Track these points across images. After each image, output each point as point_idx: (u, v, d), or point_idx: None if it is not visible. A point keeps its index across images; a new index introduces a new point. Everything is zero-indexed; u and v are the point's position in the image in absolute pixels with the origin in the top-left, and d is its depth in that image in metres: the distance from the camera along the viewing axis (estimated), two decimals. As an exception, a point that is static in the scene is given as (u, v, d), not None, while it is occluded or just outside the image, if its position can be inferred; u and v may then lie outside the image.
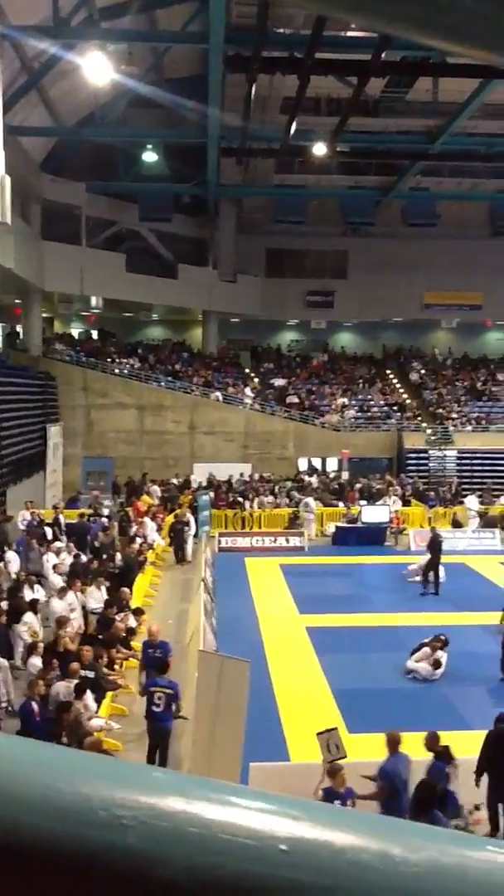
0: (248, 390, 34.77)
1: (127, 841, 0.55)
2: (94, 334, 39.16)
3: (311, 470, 32.43)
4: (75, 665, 11.37)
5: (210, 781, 0.63)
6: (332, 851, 0.57)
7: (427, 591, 19.55)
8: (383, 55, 21.72)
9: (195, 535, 23.54)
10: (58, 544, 19.74)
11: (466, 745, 10.98)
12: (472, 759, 9.87)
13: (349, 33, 23.60)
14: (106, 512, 24.94)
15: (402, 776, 8.12)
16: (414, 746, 8.58)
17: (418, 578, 20.19)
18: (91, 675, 11.63)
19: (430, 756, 8.68)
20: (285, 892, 0.55)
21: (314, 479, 30.39)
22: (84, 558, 18.55)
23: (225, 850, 0.56)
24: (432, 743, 8.56)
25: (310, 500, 27.27)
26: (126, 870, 0.55)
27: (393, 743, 8.32)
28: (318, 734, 8.57)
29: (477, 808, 8.74)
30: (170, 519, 24.49)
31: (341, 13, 0.94)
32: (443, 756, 8.41)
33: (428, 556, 20.01)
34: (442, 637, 13.95)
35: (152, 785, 0.60)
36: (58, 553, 18.45)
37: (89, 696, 10.97)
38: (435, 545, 20.13)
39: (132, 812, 0.57)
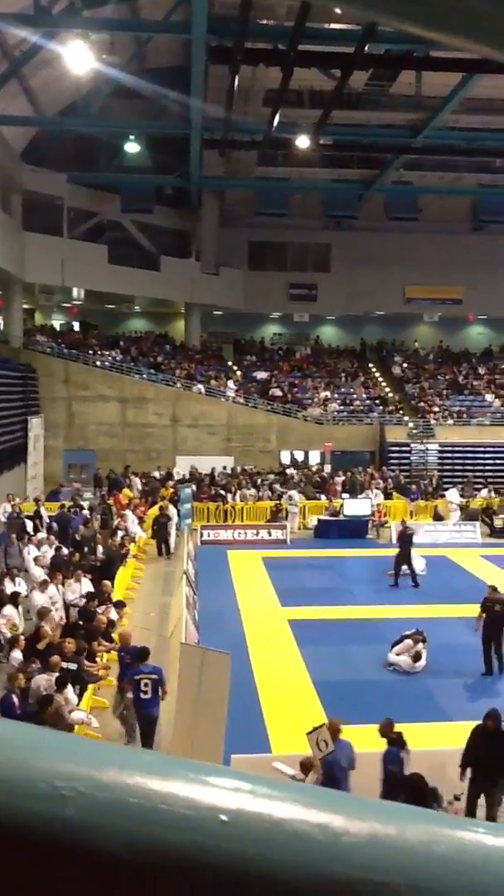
0: (230, 383, 34.73)
1: (66, 812, 0.56)
2: (76, 326, 38.93)
3: (294, 463, 32.48)
4: (56, 658, 11.33)
5: (152, 754, 0.63)
6: (273, 822, 0.57)
7: (396, 585, 19.64)
8: (367, 48, 21.70)
9: (177, 528, 23.53)
10: (40, 536, 19.67)
11: (447, 736, 11.07)
12: (451, 750, 9.95)
13: (333, 25, 23.56)
14: (87, 504, 24.87)
15: (342, 763, 8.19)
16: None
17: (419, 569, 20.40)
18: (73, 667, 11.60)
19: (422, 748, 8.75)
20: (225, 862, 0.55)
21: (296, 473, 30.45)
22: (65, 551, 18.47)
23: (164, 821, 0.56)
24: (386, 730, 8.63)
25: (293, 493, 27.34)
26: (66, 840, 0.55)
27: (334, 731, 8.39)
28: (308, 734, 8.62)
29: (457, 798, 8.81)
30: (153, 512, 24.45)
31: (344, 4, 0.92)
32: (397, 742, 8.49)
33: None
34: (421, 632, 14.03)
35: (93, 757, 0.60)
36: (39, 546, 18.37)
37: (70, 690, 10.93)
38: (404, 538, 20.26)
39: (72, 783, 0.57)
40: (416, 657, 13.76)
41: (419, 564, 20.84)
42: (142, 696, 10.37)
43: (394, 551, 20.51)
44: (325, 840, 0.57)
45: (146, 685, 10.37)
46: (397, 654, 13.90)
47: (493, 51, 0.94)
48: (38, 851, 0.56)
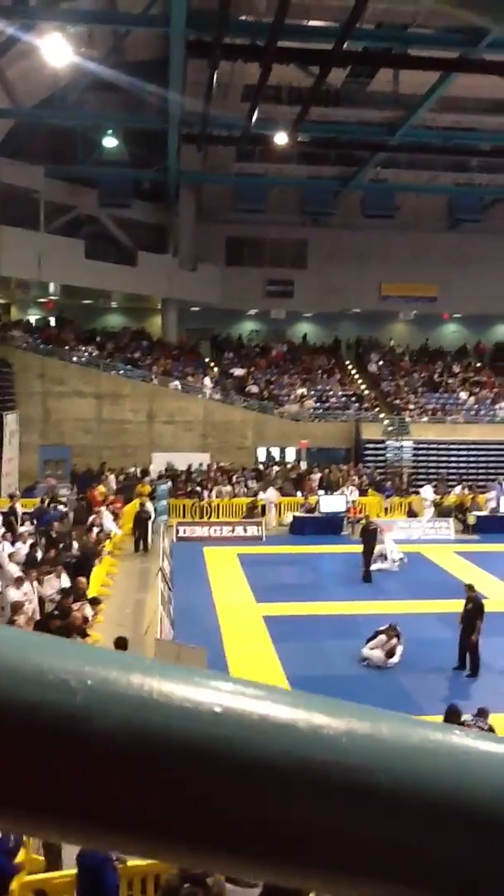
0: (207, 380, 34.68)
1: (74, 700, 0.61)
2: (52, 321, 38.66)
3: (270, 460, 32.53)
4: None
5: (149, 659, 0.69)
6: (261, 715, 0.64)
7: (369, 581, 19.82)
8: (345, 45, 21.74)
9: (153, 525, 23.51)
10: (18, 531, 19.54)
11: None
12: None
13: (312, 22, 23.59)
14: (63, 500, 24.75)
15: None
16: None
17: (384, 565, 20.55)
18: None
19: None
20: (216, 746, 0.62)
21: (273, 470, 30.48)
22: (40, 548, 18.37)
23: (162, 710, 0.62)
24: None
25: (270, 489, 27.42)
26: (71, 723, 0.61)
27: None
28: None
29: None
30: (130, 508, 24.37)
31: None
32: None
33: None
34: (395, 627, 14.14)
35: (101, 659, 0.66)
36: (13, 542, 18.24)
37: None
38: (366, 533, 20.43)
39: (80, 677, 0.62)
40: (391, 653, 13.87)
41: (397, 555, 21.01)
42: None
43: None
44: (307, 730, 0.64)
45: None
46: (371, 649, 13.99)
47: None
48: (48, 735, 0.61)
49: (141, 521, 22.96)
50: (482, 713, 10.01)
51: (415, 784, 0.63)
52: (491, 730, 9.43)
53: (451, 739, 0.67)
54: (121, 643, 11.23)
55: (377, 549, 20.80)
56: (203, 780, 0.61)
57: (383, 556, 21.04)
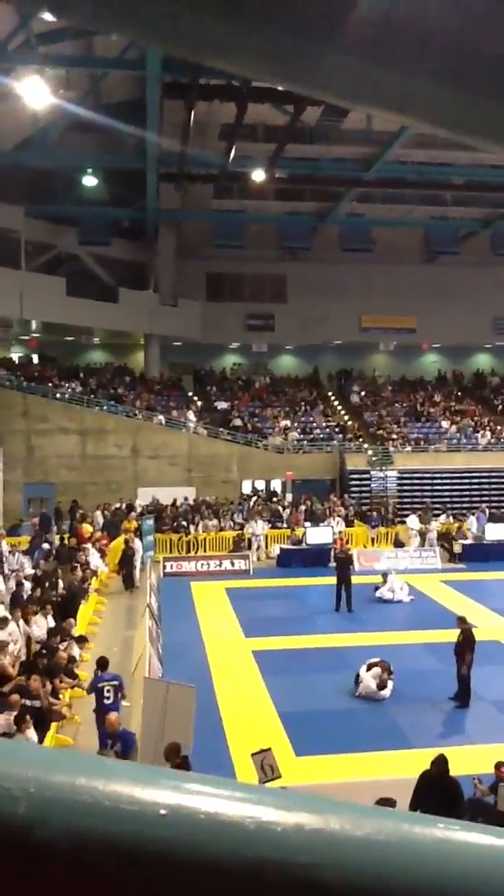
0: (191, 414, 34.74)
1: (18, 811, 0.60)
2: (35, 358, 38.71)
3: (255, 492, 32.52)
4: (15, 697, 11.13)
5: (99, 758, 0.68)
6: (208, 815, 0.62)
7: (339, 609, 19.91)
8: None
9: (140, 561, 23.36)
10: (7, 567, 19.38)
11: (411, 765, 11.08)
12: (415, 779, 9.95)
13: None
14: (49, 539, 24.58)
15: None
16: (360, 768, 8.62)
17: (390, 594, 20.60)
18: (37, 704, 11.40)
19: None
20: (162, 850, 0.60)
21: (259, 503, 30.43)
22: (27, 586, 18.19)
23: (106, 815, 0.61)
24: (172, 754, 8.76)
25: (259, 521, 27.40)
26: (16, 835, 0.59)
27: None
28: (253, 755, 8.59)
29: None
30: (117, 544, 24.21)
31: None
32: None
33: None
34: (388, 664, 14.07)
35: (43, 761, 0.65)
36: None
37: (31, 730, 10.73)
38: (339, 561, 20.48)
39: (21, 784, 0.61)
40: (382, 685, 13.78)
41: (403, 594, 21.04)
42: (105, 701, 11.25)
43: (356, 579, 20.61)
44: (254, 828, 0.62)
45: (108, 691, 11.34)
46: (366, 672, 13.89)
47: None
48: None
49: (127, 557, 22.83)
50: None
51: (363, 879, 0.60)
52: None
53: (403, 828, 0.65)
54: (103, 664, 11.95)
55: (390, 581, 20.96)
56: (150, 885, 0.59)
57: (391, 590, 21.10)
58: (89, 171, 32.11)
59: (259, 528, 27.22)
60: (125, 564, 22.70)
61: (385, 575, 21.47)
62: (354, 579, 20.64)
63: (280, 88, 23.60)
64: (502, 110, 1.44)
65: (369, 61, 1.33)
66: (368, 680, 13.76)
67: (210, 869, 0.60)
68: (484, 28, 1.38)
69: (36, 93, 22.12)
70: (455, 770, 10.79)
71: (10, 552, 21.95)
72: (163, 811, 0.62)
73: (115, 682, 11.52)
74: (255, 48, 1.36)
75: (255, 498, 31.10)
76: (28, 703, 11.13)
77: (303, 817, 0.63)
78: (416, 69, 1.36)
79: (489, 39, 1.38)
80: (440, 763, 8.56)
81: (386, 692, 13.75)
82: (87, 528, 25.79)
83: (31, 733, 10.68)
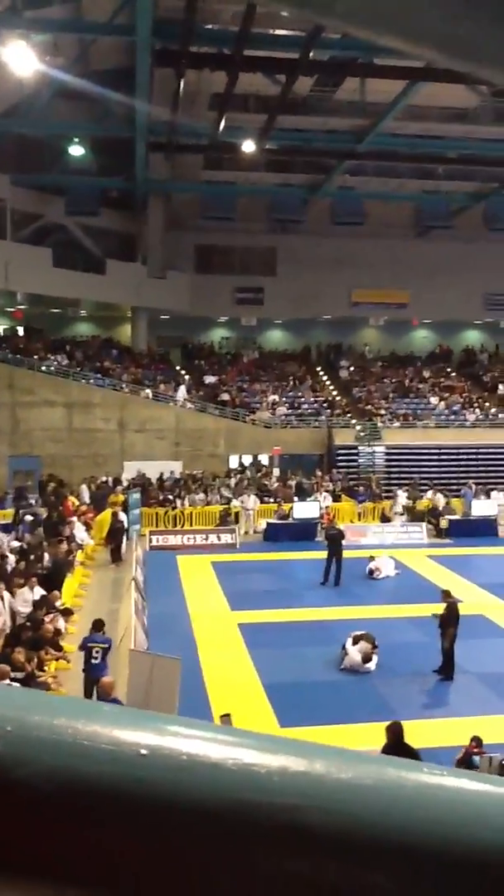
0: (182, 390, 34.56)
1: None
2: (20, 330, 38.34)
3: (242, 468, 32.49)
4: (4, 667, 11.13)
5: (83, 701, 0.69)
6: (189, 756, 0.62)
7: (326, 583, 19.98)
8: (311, 54, 21.89)
9: (126, 534, 23.35)
10: None
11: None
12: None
13: (278, 31, 23.68)
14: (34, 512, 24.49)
15: None
16: (345, 740, 8.67)
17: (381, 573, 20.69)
18: (20, 675, 11.41)
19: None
20: (142, 791, 0.60)
21: (248, 479, 30.39)
22: (11, 559, 18.14)
23: (85, 754, 0.61)
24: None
25: (252, 496, 27.42)
26: None
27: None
28: (221, 717, 8.66)
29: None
30: (103, 518, 24.15)
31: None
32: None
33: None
34: (373, 637, 14.15)
35: (22, 702, 0.64)
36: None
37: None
38: (330, 538, 20.55)
39: (2, 724, 0.61)
40: (367, 658, 13.86)
41: (390, 568, 21.11)
42: (92, 661, 11.81)
43: (347, 553, 20.66)
44: (238, 770, 0.62)
45: (97, 652, 11.86)
46: (353, 645, 13.98)
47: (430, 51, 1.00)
48: None
49: (115, 531, 22.75)
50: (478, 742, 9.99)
51: (351, 822, 0.60)
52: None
53: (388, 772, 0.64)
54: (98, 625, 12.52)
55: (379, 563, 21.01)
56: (129, 826, 0.59)
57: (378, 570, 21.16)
58: (77, 139, 31.61)
59: (251, 502, 27.21)
60: (113, 538, 22.66)
61: (372, 557, 21.48)
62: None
63: (273, 56, 23.31)
64: None
65: None
66: (353, 653, 13.85)
67: (191, 810, 0.60)
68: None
69: (22, 59, 21.63)
70: (436, 741, 10.91)
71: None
72: (143, 751, 0.62)
73: (105, 645, 12.03)
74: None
75: (242, 474, 31.04)
76: (13, 674, 11.13)
77: (287, 760, 0.63)
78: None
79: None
80: (394, 730, 8.58)
81: (371, 665, 13.85)
82: (72, 501, 25.72)
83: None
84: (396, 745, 8.39)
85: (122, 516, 23.37)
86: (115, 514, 23.23)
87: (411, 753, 8.31)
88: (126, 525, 23.20)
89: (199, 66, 24.38)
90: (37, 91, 28.00)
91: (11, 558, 18.07)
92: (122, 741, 0.62)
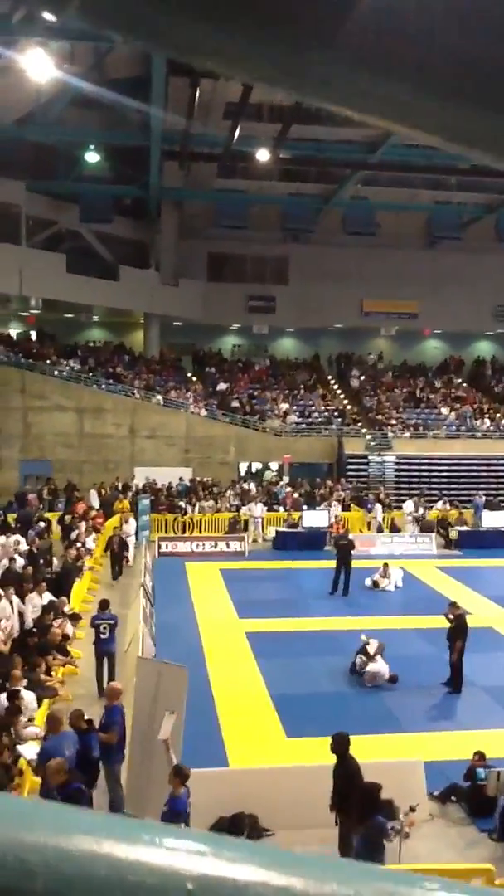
0: (189, 395, 34.64)
1: (36, 887, 0.55)
2: (33, 335, 38.53)
3: (248, 475, 32.52)
4: (17, 672, 11.26)
5: (121, 820, 0.62)
6: (237, 888, 0.57)
7: (333, 592, 19.98)
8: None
9: (136, 540, 23.37)
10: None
11: (403, 748, 11.14)
12: (407, 762, 10.01)
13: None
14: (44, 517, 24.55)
15: (62, 754, 8.10)
16: (352, 751, 8.63)
17: (385, 585, 20.62)
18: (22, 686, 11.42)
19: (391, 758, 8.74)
20: None
21: (253, 486, 30.42)
22: (20, 562, 18.17)
23: (130, 892, 0.56)
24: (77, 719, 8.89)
25: (259, 504, 27.42)
26: None
27: (54, 722, 8.66)
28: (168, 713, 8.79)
29: (412, 809, 8.85)
30: (112, 523, 24.12)
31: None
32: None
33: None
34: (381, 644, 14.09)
35: (61, 826, 0.58)
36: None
37: (29, 696, 10.84)
38: (339, 547, 20.49)
39: (39, 857, 0.56)
40: (393, 679, 13.69)
41: (397, 576, 21.01)
42: (101, 636, 12.98)
43: (354, 563, 20.61)
44: None
45: (105, 628, 13.00)
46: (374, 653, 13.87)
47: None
48: None
49: (114, 555, 21.34)
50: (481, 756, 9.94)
51: None
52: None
53: None
54: (104, 604, 13.59)
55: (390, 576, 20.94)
56: None
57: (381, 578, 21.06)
58: (92, 147, 31.79)
59: (258, 510, 27.23)
60: (114, 559, 21.41)
61: (386, 566, 21.36)
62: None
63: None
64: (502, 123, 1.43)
65: (368, 70, 1.31)
66: (381, 664, 13.65)
67: None
68: (487, 38, 1.35)
69: (39, 66, 21.84)
70: (443, 755, 10.87)
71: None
72: (189, 885, 0.56)
73: (111, 622, 13.15)
74: (251, 54, 1.33)
75: (250, 482, 31.03)
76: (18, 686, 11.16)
77: (337, 889, 0.58)
78: (417, 79, 1.35)
79: (492, 50, 1.36)
80: (337, 740, 8.47)
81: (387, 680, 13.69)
82: (81, 507, 25.81)
83: (31, 700, 10.78)
84: (343, 759, 8.30)
85: (127, 526, 23.25)
86: (115, 529, 22.31)
87: (355, 767, 8.20)
88: (128, 545, 22.53)
89: (213, 76, 24.47)
90: (53, 98, 28.20)
91: (19, 562, 18.10)
92: (168, 873, 0.56)
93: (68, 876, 0.56)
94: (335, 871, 0.60)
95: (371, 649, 13.89)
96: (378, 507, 28.16)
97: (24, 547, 19.89)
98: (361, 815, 7.57)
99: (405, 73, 1.33)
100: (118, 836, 0.58)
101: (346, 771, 8.25)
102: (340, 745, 8.39)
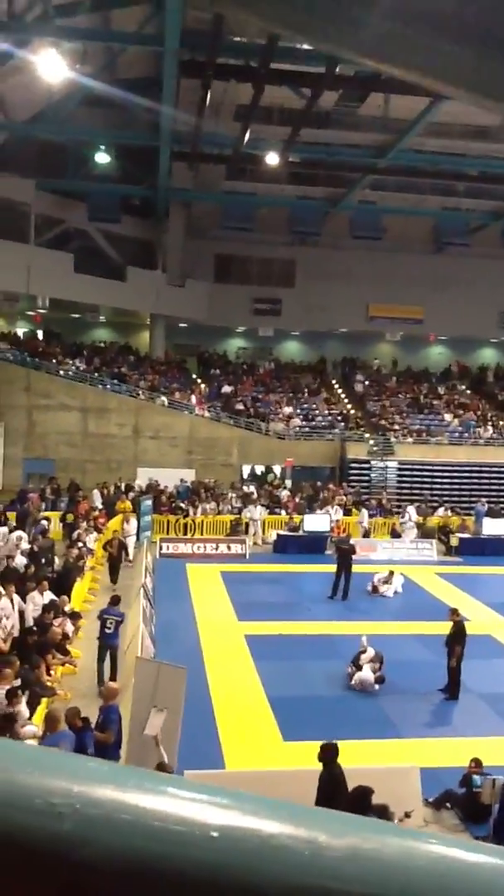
0: (193, 396, 34.69)
1: (63, 827, 0.57)
2: (40, 334, 38.62)
3: (254, 478, 32.53)
4: (8, 671, 11.18)
5: (145, 772, 0.65)
6: (261, 838, 0.59)
7: (335, 597, 19.95)
8: (337, 69, 22.01)
9: (137, 540, 23.40)
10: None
11: (399, 754, 11.16)
12: (402, 767, 10.03)
13: (304, 45, 23.83)
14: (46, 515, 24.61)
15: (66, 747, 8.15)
16: (348, 756, 8.66)
17: (385, 590, 20.63)
18: (17, 683, 11.42)
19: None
20: (215, 875, 0.57)
21: (257, 489, 30.41)
22: (20, 561, 18.20)
23: (155, 836, 0.58)
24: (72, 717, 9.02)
25: (257, 508, 27.42)
26: (63, 853, 0.57)
27: (52, 721, 8.68)
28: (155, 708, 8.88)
29: (407, 815, 8.88)
30: (114, 524, 24.12)
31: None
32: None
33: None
34: (379, 654, 14.09)
35: (87, 774, 0.62)
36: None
37: (23, 704, 10.80)
38: (339, 552, 20.49)
39: (67, 800, 0.58)
40: (380, 680, 13.71)
41: (397, 582, 21.00)
42: (106, 630, 13.41)
43: (355, 568, 20.62)
44: (310, 854, 0.59)
45: (111, 623, 13.45)
46: (363, 660, 13.89)
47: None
48: (36, 863, 0.57)
49: (112, 547, 20.75)
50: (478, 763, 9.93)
51: None
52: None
53: (461, 858, 0.61)
54: (115, 600, 14.03)
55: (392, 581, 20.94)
56: None
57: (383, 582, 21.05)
58: (101, 146, 31.89)
59: (258, 513, 27.26)
60: (112, 566, 20.80)
61: (392, 573, 21.34)
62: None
63: (299, 70, 23.46)
64: None
65: (400, 21, 1.30)
66: (367, 671, 13.74)
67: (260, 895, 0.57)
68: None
69: (51, 66, 21.89)
70: (438, 761, 10.88)
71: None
72: (214, 833, 0.59)
73: (118, 618, 13.60)
74: (290, 3, 1.33)
75: (252, 486, 31.04)
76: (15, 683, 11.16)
77: (357, 842, 0.60)
78: (449, 32, 1.33)
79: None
80: (328, 751, 8.45)
81: (377, 686, 13.73)
82: (84, 506, 25.86)
83: (23, 707, 10.75)
84: (329, 766, 8.29)
85: (132, 524, 23.29)
86: (116, 540, 21.38)
87: (341, 777, 8.17)
88: (128, 545, 22.41)
89: (225, 78, 24.53)
90: (64, 98, 28.28)
91: (20, 560, 18.13)
92: (192, 821, 0.59)
93: (93, 818, 0.58)
94: (358, 826, 0.63)
95: (365, 658, 13.90)
96: (364, 512, 28.10)
97: (25, 545, 19.92)
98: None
99: (439, 26, 1.30)
100: (146, 786, 0.60)
101: (331, 779, 8.23)
102: (328, 754, 8.37)
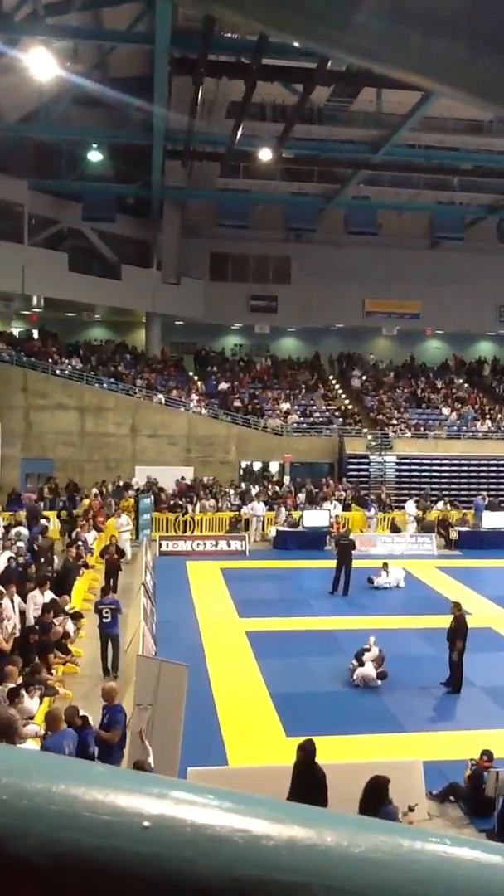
0: (192, 395, 34.66)
1: None
2: (35, 334, 38.55)
3: (249, 474, 32.54)
4: (11, 668, 11.21)
5: (80, 763, 0.64)
6: (194, 827, 0.58)
7: (333, 592, 20.00)
8: (329, 64, 21.96)
9: (136, 538, 23.40)
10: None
11: (401, 748, 11.16)
12: (404, 761, 10.02)
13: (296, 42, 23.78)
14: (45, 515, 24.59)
15: (62, 752, 8.07)
16: (351, 751, 8.65)
17: (387, 584, 20.64)
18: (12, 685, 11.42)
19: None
20: (143, 866, 0.56)
21: (256, 487, 30.42)
22: (20, 560, 18.20)
23: (84, 827, 0.57)
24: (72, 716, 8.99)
25: (258, 504, 27.44)
26: None
27: (54, 720, 8.64)
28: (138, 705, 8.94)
29: (411, 808, 8.88)
30: (112, 524, 24.10)
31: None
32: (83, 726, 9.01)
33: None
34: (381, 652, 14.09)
35: (19, 767, 0.61)
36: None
37: (27, 698, 10.82)
38: (339, 547, 20.50)
39: None
40: (382, 675, 13.71)
41: (398, 575, 21.02)
42: (104, 620, 13.72)
43: (355, 563, 20.63)
44: (244, 844, 0.58)
45: (107, 613, 13.79)
46: (365, 656, 13.90)
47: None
48: None
49: (110, 552, 19.71)
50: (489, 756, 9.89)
51: None
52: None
53: (403, 845, 0.60)
54: (105, 590, 14.81)
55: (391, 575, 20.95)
56: None
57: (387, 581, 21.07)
58: (95, 146, 31.82)
59: (260, 509, 27.27)
60: (109, 572, 19.28)
61: (386, 565, 21.39)
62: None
63: (290, 65, 23.40)
64: None
65: (391, 20, 1.28)
66: (368, 666, 13.73)
67: (194, 888, 0.56)
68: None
69: (42, 65, 21.83)
70: (442, 755, 10.89)
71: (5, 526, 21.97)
72: (146, 823, 0.58)
73: (113, 606, 13.89)
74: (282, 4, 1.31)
75: (253, 484, 31.06)
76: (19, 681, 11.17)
77: (296, 831, 0.59)
78: (441, 30, 1.31)
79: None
80: (305, 748, 8.36)
81: (379, 682, 13.73)
82: (83, 505, 25.87)
83: (28, 702, 10.76)
84: (306, 765, 8.25)
85: (122, 519, 23.31)
86: (113, 546, 20.52)
87: (320, 776, 8.14)
88: (129, 530, 22.64)
89: (217, 75, 24.47)
90: (55, 97, 28.23)
91: (21, 560, 18.13)
92: (124, 811, 0.58)
93: (20, 809, 0.57)
94: (293, 814, 0.61)
95: (368, 656, 13.90)
96: (374, 507, 28.20)
97: (22, 544, 19.89)
98: (372, 806, 7.54)
99: (431, 23, 1.28)
100: (76, 777, 0.59)
101: (313, 780, 8.18)
102: (309, 753, 8.34)
